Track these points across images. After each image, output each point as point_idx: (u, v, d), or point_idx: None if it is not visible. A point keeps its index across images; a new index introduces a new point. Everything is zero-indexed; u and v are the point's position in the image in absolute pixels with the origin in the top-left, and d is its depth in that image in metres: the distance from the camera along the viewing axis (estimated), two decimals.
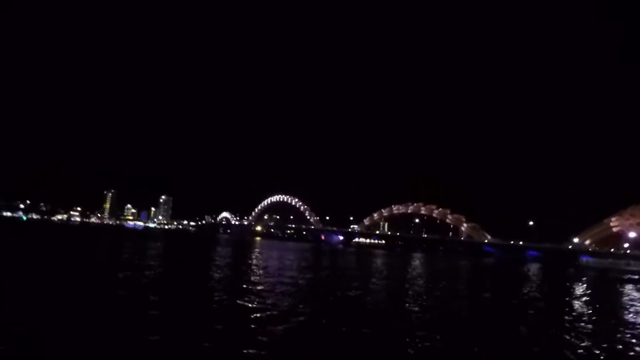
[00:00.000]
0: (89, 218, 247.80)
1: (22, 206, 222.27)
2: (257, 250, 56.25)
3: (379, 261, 49.88)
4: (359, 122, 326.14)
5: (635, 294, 27.39)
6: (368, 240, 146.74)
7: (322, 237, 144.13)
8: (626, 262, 47.14)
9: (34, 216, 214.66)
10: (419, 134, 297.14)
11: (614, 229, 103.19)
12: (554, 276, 43.13)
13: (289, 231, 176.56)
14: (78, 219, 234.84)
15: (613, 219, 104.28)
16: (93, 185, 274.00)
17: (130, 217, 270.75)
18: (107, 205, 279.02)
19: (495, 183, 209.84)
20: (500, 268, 55.32)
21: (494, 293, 24.35)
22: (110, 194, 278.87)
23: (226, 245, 68.59)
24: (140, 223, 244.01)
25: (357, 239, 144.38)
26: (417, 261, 54.62)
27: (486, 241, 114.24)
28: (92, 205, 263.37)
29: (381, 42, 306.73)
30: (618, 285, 34.14)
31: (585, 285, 33.70)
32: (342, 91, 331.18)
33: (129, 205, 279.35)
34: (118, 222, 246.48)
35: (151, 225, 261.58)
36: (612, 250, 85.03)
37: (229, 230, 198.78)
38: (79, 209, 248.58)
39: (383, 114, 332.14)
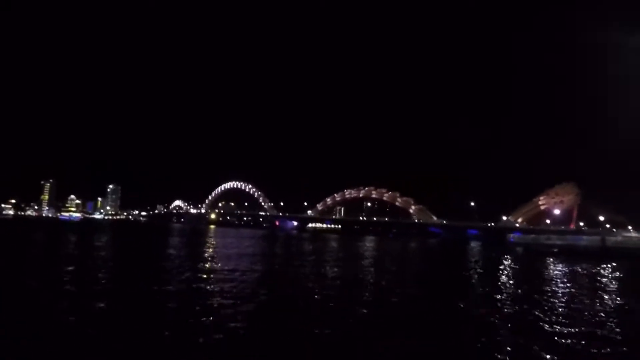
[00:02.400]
0: (24, 211, 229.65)
1: None
2: (211, 238, 56.31)
3: (332, 245, 51.90)
4: (311, 107, 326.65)
5: (552, 266, 31.60)
6: (322, 225, 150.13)
7: (277, 224, 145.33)
8: (546, 237, 53.18)
9: None
10: (370, 119, 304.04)
11: (542, 207, 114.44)
12: (484, 252, 48.00)
13: (245, 218, 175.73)
14: (11, 212, 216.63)
15: (541, 197, 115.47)
16: (30, 176, 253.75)
17: (74, 209, 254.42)
18: (46, 197, 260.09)
19: (440, 165, 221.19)
20: (442, 248, 59.85)
21: (434, 272, 27.04)
22: (48, 184, 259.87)
23: (179, 234, 67.72)
24: (77, 214, 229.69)
25: (311, 225, 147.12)
26: (368, 244, 57.39)
27: (431, 222, 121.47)
28: (28, 197, 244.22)
29: (332, 33, 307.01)
30: (539, 258, 38.80)
31: (509, 258, 38.10)
32: (295, 77, 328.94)
33: (72, 196, 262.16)
34: (58, 214, 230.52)
35: (98, 216, 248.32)
36: (537, 227, 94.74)
37: (182, 219, 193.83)
38: (12, 201, 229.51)
39: (335, 99, 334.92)
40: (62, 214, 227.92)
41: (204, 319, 10.07)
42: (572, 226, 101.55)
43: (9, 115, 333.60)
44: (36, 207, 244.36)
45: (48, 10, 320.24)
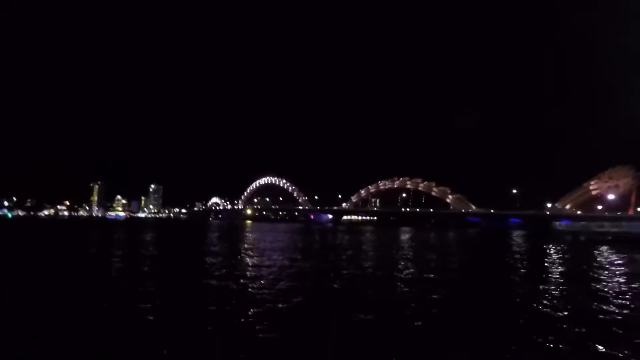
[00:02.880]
0: (77, 211, 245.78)
1: (6, 203, 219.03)
2: (248, 233, 57.37)
3: (367, 237, 51.26)
4: (343, 101, 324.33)
5: (605, 255, 29.26)
6: (357, 218, 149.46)
7: (311, 217, 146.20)
8: (598, 224, 49.36)
9: (20, 213, 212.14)
10: (400, 109, 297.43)
11: (593, 192, 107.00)
12: (528, 242, 45.40)
13: (280, 213, 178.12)
14: (66, 213, 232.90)
15: (592, 182, 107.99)
16: (80, 178, 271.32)
17: (120, 208, 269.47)
18: (95, 197, 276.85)
19: (478, 152, 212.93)
20: (482, 238, 57.50)
21: (476, 264, 25.82)
22: (97, 186, 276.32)
23: (217, 230, 69.61)
24: (122, 213, 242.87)
25: (346, 217, 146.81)
26: (405, 235, 56.19)
27: (470, 211, 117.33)
28: (79, 199, 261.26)
29: (368, 33, 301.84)
30: (592, 247, 36.12)
31: (556, 247, 35.72)
32: (324, 73, 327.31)
33: (118, 197, 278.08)
34: (106, 214, 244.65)
35: (141, 215, 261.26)
36: (588, 213, 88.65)
37: (220, 215, 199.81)
38: (67, 202, 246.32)
39: (365, 93, 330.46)
40: (109, 213, 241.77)
41: (241, 314, 10.00)
42: (631, 212, 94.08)
43: (58, 124, 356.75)
44: (87, 208, 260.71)
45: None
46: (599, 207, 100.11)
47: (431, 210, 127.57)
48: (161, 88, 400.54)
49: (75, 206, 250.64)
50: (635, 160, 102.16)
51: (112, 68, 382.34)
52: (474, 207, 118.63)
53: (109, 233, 53.56)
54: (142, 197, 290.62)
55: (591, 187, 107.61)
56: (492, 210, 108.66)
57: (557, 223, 57.74)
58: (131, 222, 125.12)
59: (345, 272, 17.73)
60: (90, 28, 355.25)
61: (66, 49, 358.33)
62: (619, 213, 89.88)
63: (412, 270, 19.29)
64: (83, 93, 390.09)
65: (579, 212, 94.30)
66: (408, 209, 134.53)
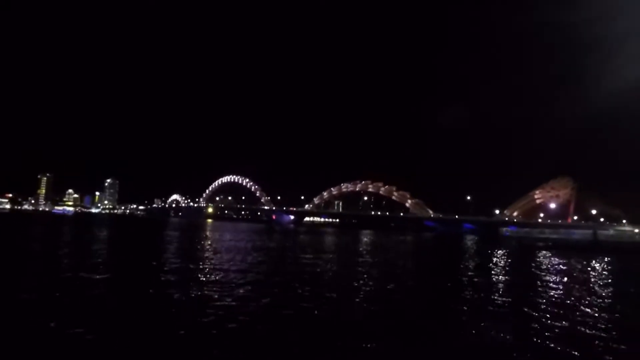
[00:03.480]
0: (21, 205, 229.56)
1: None
2: (208, 232, 56.59)
3: (328, 239, 52.16)
4: (308, 102, 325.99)
5: (541, 259, 32.07)
6: (319, 219, 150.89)
7: (273, 217, 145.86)
8: (540, 231, 53.65)
9: None
10: (367, 113, 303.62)
11: (537, 201, 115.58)
12: (477, 246, 48.53)
13: (243, 212, 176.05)
14: (7, 206, 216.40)
15: (537, 192, 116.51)
16: (27, 170, 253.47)
17: (71, 203, 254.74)
18: (42, 191, 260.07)
19: (437, 160, 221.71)
20: (436, 242, 60.36)
21: (428, 265, 27.43)
22: (45, 178, 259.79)
23: (175, 228, 67.98)
24: (71, 208, 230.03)
25: (308, 218, 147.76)
26: (364, 238, 57.71)
27: (429, 216, 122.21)
28: (26, 192, 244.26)
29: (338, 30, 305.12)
30: (530, 251, 39.33)
31: (501, 252, 38.59)
32: (291, 73, 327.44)
33: (70, 190, 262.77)
34: (61, 208, 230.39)
35: (94, 210, 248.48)
36: (531, 221, 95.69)
37: (180, 213, 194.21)
38: (9, 195, 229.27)
39: (333, 95, 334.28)
40: (56, 208, 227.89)
41: (202, 317, 9.99)
42: (569, 220, 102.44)
43: (7, 109, 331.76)
44: (33, 201, 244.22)
45: (43, 8, 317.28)
46: (541, 215, 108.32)
47: (391, 214, 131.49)
48: (123, 79, 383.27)
49: (20, 199, 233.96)
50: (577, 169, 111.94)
51: (72, 57, 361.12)
52: (431, 211, 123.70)
53: (44, 229, 50.62)
54: (97, 192, 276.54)
55: (536, 197, 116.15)
56: (450, 216, 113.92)
57: (504, 229, 61.88)
58: (80, 218, 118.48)
59: (306, 276, 18.16)
60: (64, 17, 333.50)
61: (30, 36, 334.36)
62: (559, 221, 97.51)
63: (370, 274, 20.38)
64: (37, 80, 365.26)
65: (524, 220, 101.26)
66: (371, 212, 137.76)
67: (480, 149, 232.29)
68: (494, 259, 30.88)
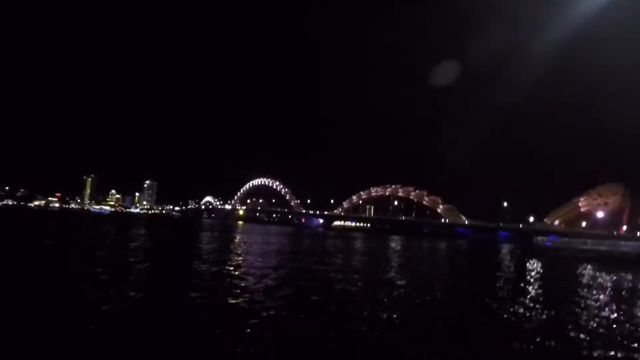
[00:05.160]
0: (69, 204, 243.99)
1: None
2: (238, 234, 57.68)
3: (358, 245, 51.52)
4: (339, 106, 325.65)
5: (582, 273, 30.05)
6: (348, 223, 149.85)
7: (303, 221, 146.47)
8: (582, 242, 50.24)
9: (10, 202, 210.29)
10: (393, 117, 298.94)
11: (582, 209, 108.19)
12: (510, 257, 46.27)
13: (274, 215, 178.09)
14: (57, 204, 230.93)
15: (581, 199, 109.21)
16: (74, 171, 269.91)
17: (112, 202, 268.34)
18: (88, 191, 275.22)
19: (471, 165, 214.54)
20: (470, 250, 58.26)
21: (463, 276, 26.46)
22: (90, 179, 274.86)
23: (207, 229, 69.80)
24: (107, 207, 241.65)
25: (337, 223, 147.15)
26: (395, 245, 56.63)
27: (462, 223, 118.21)
28: (72, 191, 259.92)
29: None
30: (570, 264, 36.97)
31: (536, 263, 36.54)
32: (317, 76, 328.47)
33: (113, 191, 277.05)
34: (91, 207, 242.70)
35: (134, 210, 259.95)
36: (573, 230, 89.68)
37: (212, 215, 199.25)
38: (58, 194, 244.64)
39: (364, 98, 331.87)
40: (94, 207, 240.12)
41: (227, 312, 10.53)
42: (622, 231, 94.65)
43: (55, 112, 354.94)
44: (79, 201, 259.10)
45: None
46: (583, 224, 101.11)
47: (423, 219, 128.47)
48: (162, 85, 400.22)
49: (67, 199, 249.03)
50: (628, 177, 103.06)
51: (113, 63, 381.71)
52: (463, 218, 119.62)
53: (81, 226, 54.24)
54: (137, 193, 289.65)
55: (580, 204, 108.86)
56: (484, 223, 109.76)
57: (540, 238, 58.60)
58: (119, 217, 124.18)
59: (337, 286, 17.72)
60: (85, 24, 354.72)
61: (64, 44, 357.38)
62: (614, 232, 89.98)
63: (396, 281, 19.85)
64: (83, 86, 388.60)
65: (567, 230, 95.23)
66: (401, 217, 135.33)
67: (517, 152, 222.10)
68: (530, 273, 29.24)
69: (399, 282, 19.19)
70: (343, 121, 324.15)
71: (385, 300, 14.43)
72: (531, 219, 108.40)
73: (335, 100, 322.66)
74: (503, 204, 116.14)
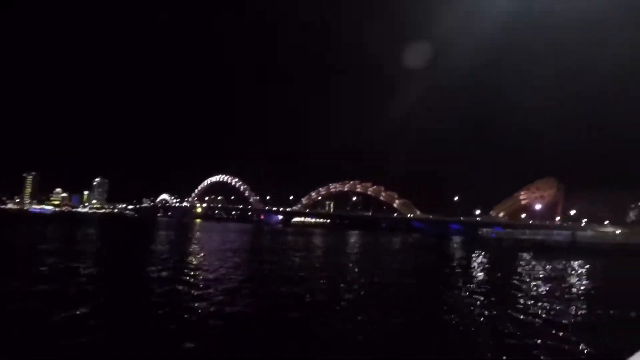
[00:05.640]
0: (6, 204, 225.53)
1: None
2: (195, 232, 56.73)
3: (316, 240, 52.60)
4: (296, 101, 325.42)
5: (520, 261, 33.05)
6: (308, 219, 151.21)
7: (262, 217, 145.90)
8: (521, 232, 54.89)
9: None
10: (353, 113, 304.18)
11: (522, 202, 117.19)
12: (460, 247, 49.62)
13: (233, 212, 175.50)
14: None
15: (522, 192, 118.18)
16: (13, 168, 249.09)
17: (57, 202, 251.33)
18: (28, 190, 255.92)
19: (424, 159, 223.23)
20: (422, 243, 61.35)
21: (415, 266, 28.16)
22: (30, 177, 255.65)
23: (164, 228, 67.94)
24: (49, 207, 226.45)
25: (297, 219, 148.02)
26: (354, 239, 58.25)
27: (417, 217, 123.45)
28: (10, 191, 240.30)
29: None
30: (509, 253, 40.42)
31: (480, 253, 39.63)
32: (278, 71, 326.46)
33: (58, 189, 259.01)
34: (30, 207, 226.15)
35: (82, 209, 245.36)
36: (515, 222, 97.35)
37: (169, 213, 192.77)
38: None
39: (318, 93, 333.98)
40: (33, 207, 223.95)
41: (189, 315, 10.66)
42: (556, 221, 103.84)
43: None
44: (18, 200, 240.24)
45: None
46: (523, 215, 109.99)
47: (380, 215, 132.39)
48: (113, 77, 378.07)
49: (4, 198, 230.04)
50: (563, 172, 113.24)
51: (60, 52, 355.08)
52: (418, 212, 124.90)
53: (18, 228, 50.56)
54: (86, 192, 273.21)
55: (521, 197, 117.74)
56: (437, 217, 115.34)
57: (485, 230, 63.05)
58: (63, 217, 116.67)
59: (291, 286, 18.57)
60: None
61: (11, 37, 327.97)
62: (547, 222, 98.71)
63: (353, 272, 20.97)
64: (28, 76, 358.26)
65: (506, 221, 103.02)
66: (360, 213, 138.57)
67: (465, 148, 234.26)
68: (474, 262, 31.74)
69: (355, 275, 20.39)
70: (301, 116, 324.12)
71: (343, 290, 15.43)
72: (477, 212, 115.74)
73: (295, 95, 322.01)
74: (454, 197, 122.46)
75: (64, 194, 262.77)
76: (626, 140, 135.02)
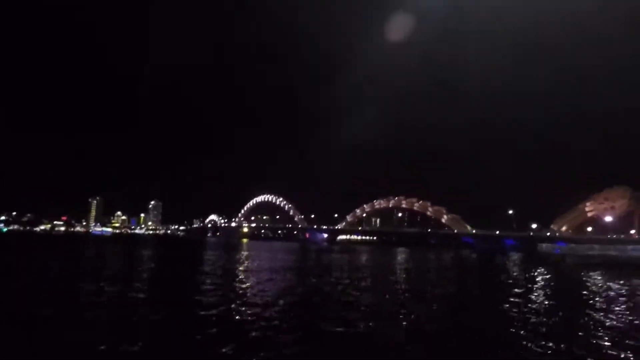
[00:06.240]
0: (74, 227, 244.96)
1: (3, 217, 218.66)
2: (244, 252, 57.38)
3: (362, 258, 51.15)
4: (335, 120, 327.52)
5: (587, 280, 29.61)
6: (353, 237, 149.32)
7: (307, 236, 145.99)
8: (589, 247, 49.55)
9: (16, 227, 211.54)
10: (394, 128, 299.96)
11: (589, 214, 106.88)
12: (518, 267, 45.74)
13: (279, 231, 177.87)
14: (62, 228, 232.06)
15: (588, 203, 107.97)
16: (79, 194, 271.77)
17: (118, 224, 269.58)
18: (93, 213, 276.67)
19: (474, 173, 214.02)
20: (476, 261, 57.71)
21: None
22: (95, 202, 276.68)
23: (212, 248, 69.60)
24: (109, 229, 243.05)
25: (342, 236, 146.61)
26: (400, 257, 56.23)
27: (468, 232, 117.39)
28: (78, 214, 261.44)
29: None
30: (579, 271, 36.44)
31: (546, 271, 36.08)
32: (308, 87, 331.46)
33: (118, 212, 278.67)
34: (92, 230, 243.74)
35: (138, 231, 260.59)
36: (581, 236, 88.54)
37: (217, 233, 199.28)
38: (64, 217, 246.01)
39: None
40: (95, 229, 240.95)
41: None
42: (632, 235, 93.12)
43: (58, 138, 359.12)
44: (84, 223, 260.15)
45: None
46: (589, 229, 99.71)
47: (429, 230, 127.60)
48: (160, 105, 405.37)
49: (73, 222, 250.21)
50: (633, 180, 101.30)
51: (114, 86, 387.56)
52: (469, 227, 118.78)
53: (81, 249, 54.33)
54: (142, 214, 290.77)
55: (586, 209, 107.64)
56: (489, 232, 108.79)
57: (545, 245, 57.95)
58: (121, 238, 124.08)
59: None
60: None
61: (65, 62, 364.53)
62: (622, 236, 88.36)
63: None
64: (86, 109, 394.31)
65: (569, 235, 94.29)
66: (405, 229, 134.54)
67: (519, 160, 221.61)
68: (536, 282, 28.84)
69: (407, 294, 19.09)
70: (343, 136, 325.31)
71: (401, 314, 14.31)
72: (534, 226, 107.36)
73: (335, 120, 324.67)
74: (508, 211, 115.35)
75: (123, 217, 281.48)
76: None
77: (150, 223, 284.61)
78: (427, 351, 9.91)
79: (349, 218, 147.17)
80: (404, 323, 13.39)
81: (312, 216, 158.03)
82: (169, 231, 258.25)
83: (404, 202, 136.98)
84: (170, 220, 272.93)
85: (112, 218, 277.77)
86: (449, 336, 11.55)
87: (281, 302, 15.84)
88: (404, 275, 31.13)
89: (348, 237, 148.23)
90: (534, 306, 17.36)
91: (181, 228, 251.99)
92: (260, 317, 12.81)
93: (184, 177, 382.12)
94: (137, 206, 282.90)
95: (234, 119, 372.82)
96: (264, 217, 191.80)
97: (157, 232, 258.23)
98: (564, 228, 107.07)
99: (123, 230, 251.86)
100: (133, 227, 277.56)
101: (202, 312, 13.43)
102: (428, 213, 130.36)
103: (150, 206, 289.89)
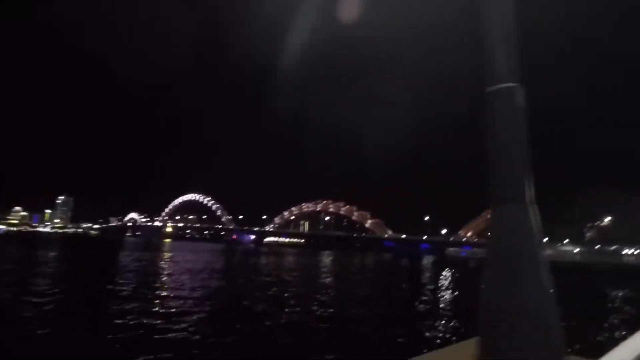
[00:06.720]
0: None
1: None
2: (165, 254, 54.96)
3: (289, 260, 51.97)
4: (268, 121, 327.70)
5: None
6: (280, 239, 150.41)
7: (234, 237, 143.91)
8: (482, 251, 56.79)
9: None
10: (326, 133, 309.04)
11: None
12: (430, 269, 50.57)
13: (205, 232, 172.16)
14: None
15: (489, 210, 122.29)
16: None
17: (16, 221, 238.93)
18: None
19: (393, 180, 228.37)
20: (394, 264, 62.00)
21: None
22: None
23: (130, 248, 65.44)
24: (2, 226, 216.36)
25: (269, 238, 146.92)
26: (326, 260, 57.93)
27: (389, 236, 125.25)
28: None
29: None
30: (476, 273, 41.53)
31: (450, 274, 40.62)
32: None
33: (17, 208, 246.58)
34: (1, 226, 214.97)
35: (42, 229, 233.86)
36: (483, 240, 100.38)
37: (137, 233, 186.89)
38: None
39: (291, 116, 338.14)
40: None
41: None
42: None
43: None
44: None
45: None
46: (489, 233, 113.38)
47: (354, 235, 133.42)
48: (75, 94, 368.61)
49: None
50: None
51: (22, 69, 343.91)
52: (390, 231, 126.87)
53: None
54: (48, 210, 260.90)
55: (489, 215, 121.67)
56: (408, 237, 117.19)
57: (452, 249, 64.87)
58: (19, 237, 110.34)
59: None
60: None
61: None
62: None
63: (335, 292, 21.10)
64: None
65: (471, 239, 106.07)
66: (332, 232, 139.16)
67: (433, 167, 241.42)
68: (439, 283, 32.47)
69: (328, 294, 20.54)
70: (273, 137, 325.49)
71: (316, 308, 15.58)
72: (443, 232, 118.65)
73: (269, 115, 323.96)
74: (424, 218, 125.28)
75: (24, 213, 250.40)
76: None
77: (57, 220, 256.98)
78: (341, 334, 11.09)
79: (276, 220, 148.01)
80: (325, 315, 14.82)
81: (240, 217, 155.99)
82: (80, 230, 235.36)
83: (331, 206, 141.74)
84: (82, 218, 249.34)
85: (7, 214, 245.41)
86: (365, 324, 13.07)
87: (196, 312, 16.22)
88: (330, 279, 32.84)
89: (276, 239, 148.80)
90: (432, 299, 20.21)
91: (95, 226, 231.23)
92: (173, 330, 12.99)
93: (100, 171, 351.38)
94: (42, 201, 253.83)
95: (163, 115, 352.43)
96: (190, 217, 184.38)
97: (67, 230, 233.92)
98: (469, 233, 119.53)
99: (22, 228, 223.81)
100: (35, 224, 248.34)
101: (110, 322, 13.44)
102: (354, 217, 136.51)
103: (59, 201, 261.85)
